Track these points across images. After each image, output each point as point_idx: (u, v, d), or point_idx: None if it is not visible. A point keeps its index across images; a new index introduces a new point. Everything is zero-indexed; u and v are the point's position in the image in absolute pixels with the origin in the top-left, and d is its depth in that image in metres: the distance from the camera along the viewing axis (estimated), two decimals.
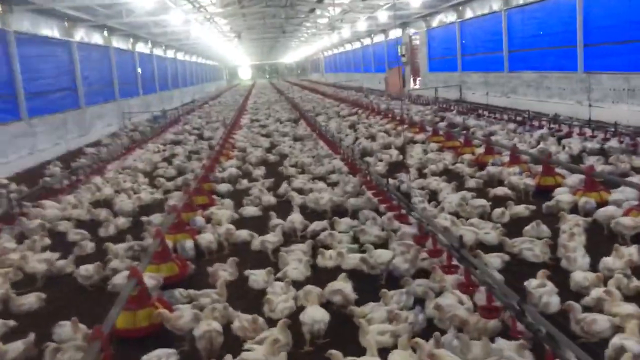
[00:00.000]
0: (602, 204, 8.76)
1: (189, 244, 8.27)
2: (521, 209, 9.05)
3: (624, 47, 19.16)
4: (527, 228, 8.07)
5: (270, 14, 38.92)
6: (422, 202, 9.74)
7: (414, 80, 44.70)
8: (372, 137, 18.89)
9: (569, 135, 16.40)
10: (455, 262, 6.61)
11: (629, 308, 5.16)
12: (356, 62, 65.99)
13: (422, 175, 12.61)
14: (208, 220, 9.62)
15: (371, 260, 6.90)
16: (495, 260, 6.82)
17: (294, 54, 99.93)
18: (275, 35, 57.51)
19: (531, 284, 5.86)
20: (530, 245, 7.16)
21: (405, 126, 20.29)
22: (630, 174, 10.61)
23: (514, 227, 8.43)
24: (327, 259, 7.43)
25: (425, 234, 7.48)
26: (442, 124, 21.45)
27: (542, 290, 5.72)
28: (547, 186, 10.29)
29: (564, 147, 14.27)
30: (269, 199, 11.24)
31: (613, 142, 13.84)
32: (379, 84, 48.32)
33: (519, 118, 20.35)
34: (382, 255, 6.96)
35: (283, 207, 10.61)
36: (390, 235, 7.86)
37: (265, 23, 42.11)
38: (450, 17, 35.29)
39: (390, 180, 11.24)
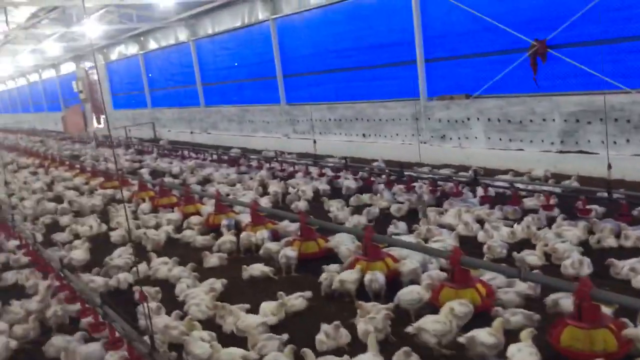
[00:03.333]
0: (391, 275, 6.97)
1: None
2: (298, 303, 6.69)
3: (325, 76, 18.83)
4: (320, 338, 5.69)
5: None
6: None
7: (98, 119, 40.02)
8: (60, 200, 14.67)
9: (292, 175, 14.95)
10: None
11: None
12: (23, 101, 57.33)
13: (140, 251, 9.35)
14: None
15: None
16: None
17: None
18: None
19: None
20: None
21: (102, 180, 16.56)
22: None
23: (293, 331, 6.04)
24: None
25: None
26: (144, 171, 18.28)
27: None
28: (310, 254, 8.23)
29: (297, 192, 12.59)
30: None
31: (348, 182, 12.64)
32: (56, 125, 42.42)
33: (226, 157, 18.53)
34: None
35: None
36: None
37: None
38: (132, 48, 32.10)
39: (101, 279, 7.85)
